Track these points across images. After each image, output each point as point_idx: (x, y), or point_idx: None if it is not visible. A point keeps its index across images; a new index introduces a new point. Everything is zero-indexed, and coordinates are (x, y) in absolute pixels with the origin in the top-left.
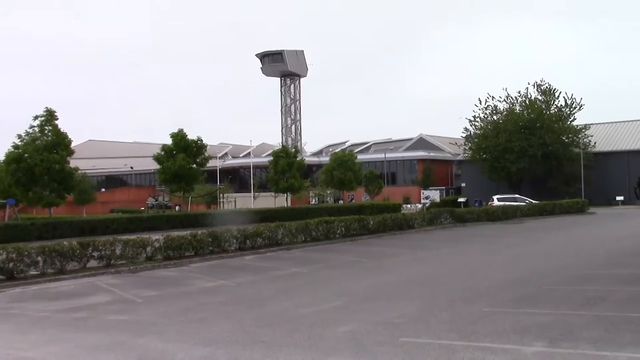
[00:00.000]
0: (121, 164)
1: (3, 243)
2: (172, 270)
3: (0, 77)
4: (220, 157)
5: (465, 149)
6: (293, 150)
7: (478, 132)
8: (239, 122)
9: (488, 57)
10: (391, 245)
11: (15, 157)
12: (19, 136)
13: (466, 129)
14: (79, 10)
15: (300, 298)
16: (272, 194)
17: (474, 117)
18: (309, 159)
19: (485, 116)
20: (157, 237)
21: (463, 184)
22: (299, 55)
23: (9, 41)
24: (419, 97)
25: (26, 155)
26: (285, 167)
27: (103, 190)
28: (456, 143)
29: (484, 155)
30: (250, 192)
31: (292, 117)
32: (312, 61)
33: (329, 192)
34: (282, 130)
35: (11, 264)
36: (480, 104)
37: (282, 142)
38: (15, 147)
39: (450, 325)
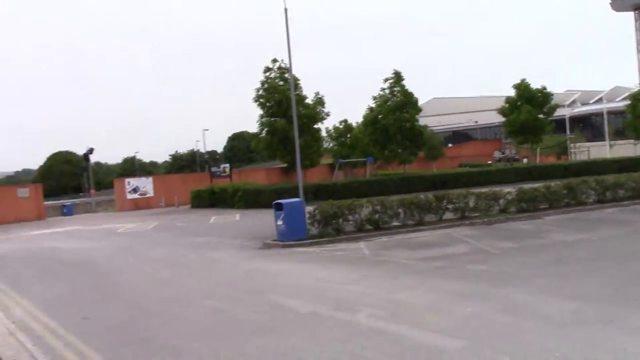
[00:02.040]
0: (466, 119)
1: (367, 197)
2: (525, 222)
3: None
4: (568, 105)
5: None
6: None
7: None
8: (586, 66)
9: None
10: None
11: (371, 119)
12: (373, 98)
13: None
14: None
15: None
16: (632, 141)
17: None
18: None
19: None
20: (508, 190)
21: None
22: None
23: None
24: None
25: (380, 116)
26: None
27: (450, 145)
28: None
29: None
30: (605, 140)
31: None
32: None
33: None
34: (638, 70)
35: (377, 215)
36: None
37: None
38: (370, 109)
39: None
